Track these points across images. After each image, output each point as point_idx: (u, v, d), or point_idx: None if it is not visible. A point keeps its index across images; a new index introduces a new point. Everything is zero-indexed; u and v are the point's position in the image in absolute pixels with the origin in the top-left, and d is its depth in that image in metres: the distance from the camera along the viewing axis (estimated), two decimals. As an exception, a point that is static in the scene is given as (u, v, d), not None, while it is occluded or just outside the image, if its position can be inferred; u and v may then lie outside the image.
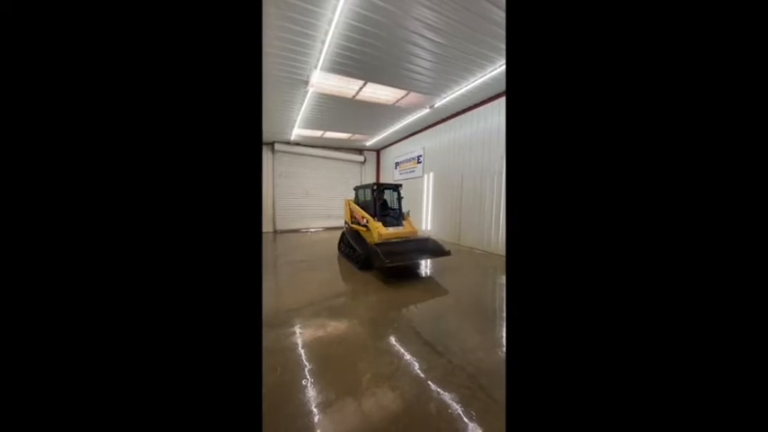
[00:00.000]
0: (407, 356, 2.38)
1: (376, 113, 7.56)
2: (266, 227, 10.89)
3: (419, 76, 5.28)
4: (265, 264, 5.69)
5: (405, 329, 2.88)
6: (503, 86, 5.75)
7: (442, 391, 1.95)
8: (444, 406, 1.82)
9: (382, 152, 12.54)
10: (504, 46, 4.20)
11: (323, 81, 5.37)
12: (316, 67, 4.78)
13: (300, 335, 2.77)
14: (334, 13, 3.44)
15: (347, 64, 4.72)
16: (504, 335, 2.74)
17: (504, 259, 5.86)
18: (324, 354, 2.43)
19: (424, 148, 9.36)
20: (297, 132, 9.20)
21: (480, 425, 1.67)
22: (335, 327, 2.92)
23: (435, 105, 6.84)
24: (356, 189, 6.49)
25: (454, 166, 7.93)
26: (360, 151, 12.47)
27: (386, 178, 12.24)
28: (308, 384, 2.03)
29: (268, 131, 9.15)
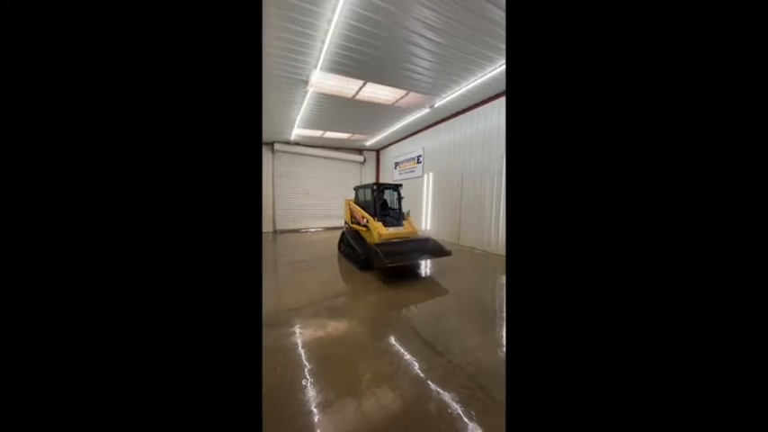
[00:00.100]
0: (407, 356, 2.38)
1: (376, 113, 7.56)
2: (266, 227, 10.88)
3: (419, 76, 5.27)
4: (265, 264, 5.69)
5: (405, 329, 2.88)
6: (502, 86, 5.75)
7: (441, 391, 1.95)
8: (444, 406, 1.82)
9: (382, 152, 12.54)
10: (503, 46, 4.20)
11: (323, 81, 5.37)
12: (315, 67, 4.78)
13: (300, 335, 2.77)
14: (333, 12, 3.44)
15: (347, 64, 4.72)
16: (504, 335, 2.74)
17: (504, 259, 5.87)
18: (324, 354, 2.43)
19: (423, 148, 9.36)
20: (296, 132, 9.20)
21: (480, 425, 1.67)
22: (335, 327, 2.92)
23: (435, 105, 6.84)
24: (356, 189, 6.49)
25: (454, 165, 7.93)
26: (359, 151, 12.47)
27: (385, 178, 12.24)
28: (308, 384, 2.03)
29: (268, 131, 9.15)
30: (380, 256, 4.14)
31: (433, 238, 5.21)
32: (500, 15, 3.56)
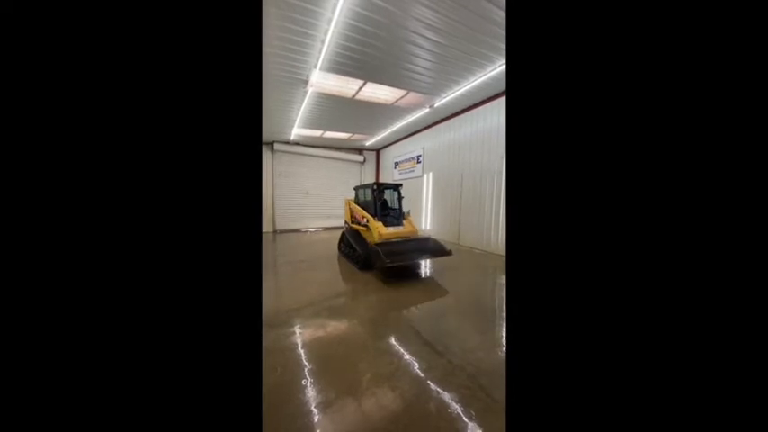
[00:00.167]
0: (407, 356, 2.38)
1: (375, 113, 7.56)
2: (266, 227, 10.88)
3: (419, 76, 5.27)
4: (265, 264, 5.68)
5: (405, 329, 2.88)
6: (502, 86, 5.75)
7: (441, 391, 1.95)
8: (444, 405, 1.82)
9: (382, 152, 12.54)
10: (503, 46, 4.20)
11: (322, 81, 5.37)
12: (315, 67, 4.78)
13: (300, 335, 2.77)
14: (333, 12, 3.44)
15: (347, 64, 4.72)
16: (504, 335, 2.75)
17: (504, 259, 5.87)
18: (324, 354, 2.43)
19: (423, 148, 9.36)
20: (296, 132, 9.20)
21: (480, 424, 1.68)
22: (335, 327, 2.92)
23: (435, 105, 6.84)
24: (356, 189, 6.49)
25: (454, 165, 7.93)
26: (359, 151, 12.47)
27: (385, 178, 12.24)
28: (308, 384, 2.03)
29: (267, 131, 9.15)
30: (381, 255, 4.14)
31: (434, 237, 5.21)
32: (500, 15, 3.56)
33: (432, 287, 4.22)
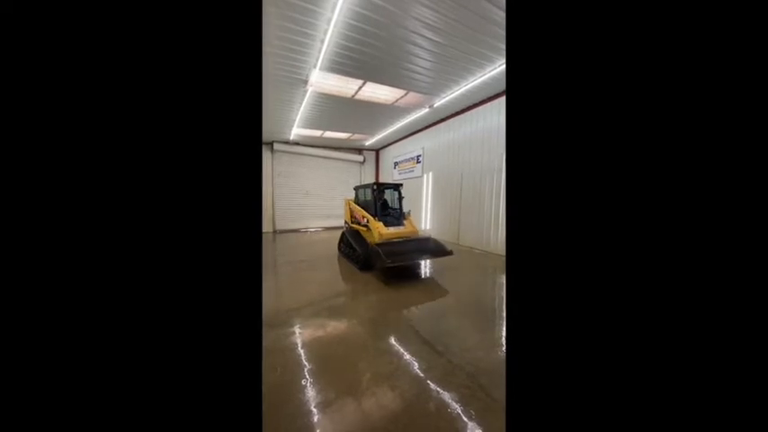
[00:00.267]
0: (407, 356, 2.39)
1: (375, 113, 7.55)
2: (265, 227, 10.88)
3: (418, 76, 5.27)
4: (265, 264, 5.68)
5: (404, 329, 2.88)
6: (502, 86, 5.75)
7: (441, 391, 1.96)
8: (444, 405, 1.83)
9: (381, 152, 12.54)
10: (503, 46, 4.20)
11: (322, 80, 5.37)
12: (315, 67, 4.77)
13: (300, 335, 2.77)
14: (333, 12, 3.44)
15: (346, 63, 4.71)
16: (504, 334, 2.75)
17: (503, 259, 5.87)
18: (324, 353, 2.43)
19: (423, 148, 9.36)
20: (296, 132, 9.19)
21: (480, 424, 1.68)
22: (335, 327, 2.93)
23: (435, 105, 6.84)
24: (356, 189, 6.48)
25: (453, 165, 7.94)
26: (359, 151, 12.46)
27: (385, 178, 12.24)
28: (308, 384, 2.03)
29: (267, 131, 9.14)
30: (381, 255, 4.13)
31: (434, 237, 5.21)
32: (500, 15, 3.56)
33: (431, 287, 4.22)
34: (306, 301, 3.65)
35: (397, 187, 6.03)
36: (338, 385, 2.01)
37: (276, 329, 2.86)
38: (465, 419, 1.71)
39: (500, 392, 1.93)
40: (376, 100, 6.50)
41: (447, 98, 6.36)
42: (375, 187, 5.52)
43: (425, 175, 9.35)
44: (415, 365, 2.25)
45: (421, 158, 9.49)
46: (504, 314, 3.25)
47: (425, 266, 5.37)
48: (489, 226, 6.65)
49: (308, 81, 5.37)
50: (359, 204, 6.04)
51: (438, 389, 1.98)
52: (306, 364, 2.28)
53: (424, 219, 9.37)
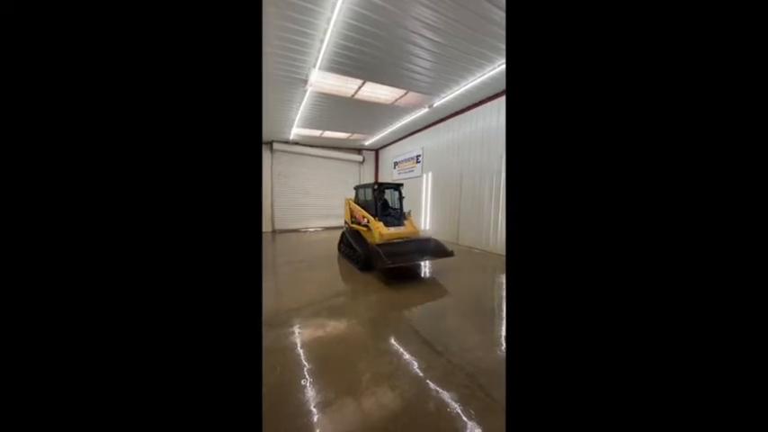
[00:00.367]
0: (407, 356, 2.39)
1: (375, 113, 7.55)
2: (265, 227, 10.87)
3: (418, 76, 5.27)
4: (264, 264, 5.68)
5: (404, 329, 2.88)
6: (502, 86, 5.75)
7: (441, 390, 1.96)
8: (443, 405, 1.83)
9: (381, 152, 12.54)
10: (503, 46, 4.21)
11: (321, 80, 5.36)
12: (314, 66, 4.77)
13: (300, 335, 2.77)
14: (333, 11, 3.44)
15: (346, 63, 4.71)
16: (503, 334, 2.75)
17: (503, 258, 5.88)
18: (323, 353, 2.43)
19: (422, 148, 9.36)
20: (295, 132, 9.19)
21: (479, 423, 1.68)
22: (335, 326, 2.93)
23: (434, 105, 6.84)
24: (356, 188, 6.47)
25: (453, 165, 7.94)
26: (358, 151, 12.46)
27: (384, 178, 12.24)
28: (308, 384, 2.03)
29: (266, 131, 9.13)
30: (382, 256, 4.12)
31: (434, 238, 5.20)
32: (500, 15, 3.57)
33: (431, 287, 4.22)
34: (306, 300, 3.65)
35: (397, 187, 6.02)
36: (338, 385, 2.01)
37: (276, 329, 2.86)
38: (465, 419, 1.71)
39: (499, 392, 1.94)
40: (375, 100, 6.50)
41: (446, 98, 6.37)
42: (376, 187, 5.50)
43: (425, 175, 9.35)
44: (415, 365, 2.26)
45: (420, 158, 9.49)
46: (504, 314, 3.25)
47: (425, 266, 5.37)
48: (488, 226, 6.66)
49: (307, 81, 5.37)
50: (359, 204, 6.02)
51: (438, 388, 1.98)
52: (305, 363, 2.28)
53: (424, 218, 9.37)
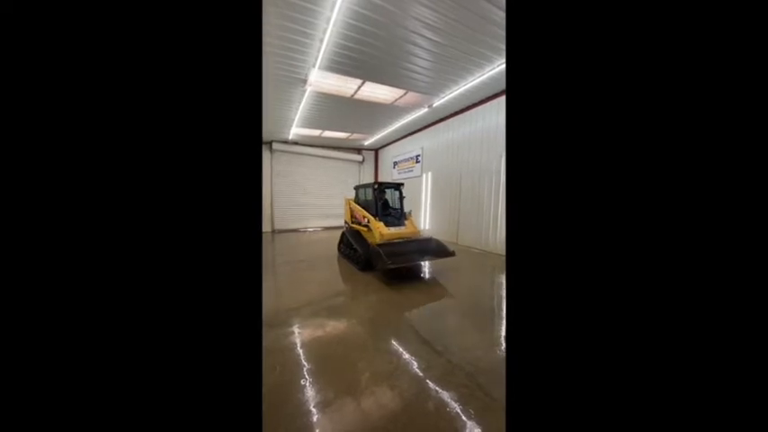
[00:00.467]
0: (406, 356, 2.39)
1: (374, 113, 7.55)
2: (264, 226, 10.86)
3: (418, 76, 5.27)
4: (264, 264, 5.67)
5: (404, 329, 2.89)
6: (501, 86, 5.76)
7: (440, 390, 1.96)
8: (443, 404, 1.83)
9: (381, 152, 12.53)
10: (502, 46, 4.21)
11: (321, 80, 5.36)
12: (314, 66, 4.77)
13: (300, 334, 2.77)
14: (332, 11, 3.43)
15: (345, 63, 4.71)
16: (502, 334, 2.76)
17: (502, 258, 5.88)
18: (323, 353, 2.43)
19: (422, 148, 9.36)
20: (295, 131, 9.18)
21: (479, 423, 1.68)
22: (335, 326, 2.93)
23: (434, 105, 6.85)
24: (357, 188, 6.46)
25: (452, 165, 7.94)
26: (358, 151, 12.45)
27: (384, 178, 12.23)
28: (308, 384, 2.03)
29: (266, 130, 9.12)
30: (382, 256, 4.10)
31: (435, 238, 5.18)
32: (499, 15, 3.57)
33: (431, 287, 4.23)
34: (305, 300, 3.65)
35: (398, 187, 6.01)
36: (337, 385, 2.01)
37: (276, 329, 2.86)
38: (464, 418, 1.72)
39: (499, 392, 1.94)
40: (375, 99, 6.50)
41: (446, 98, 6.37)
42: (376, 187, 5.48)
43: (424, 175, 9.35)
44: (415, 365, 2.26)
45: (420, 158, 9.50)
46: (503, 313, 3.25)
47: (425, 266, 5.37)
48: (488, 226, 6.66)
49: (307, 80, 5.36)
50: (359, 204, 6.01)
51: (437, 388, 1.98)
52: (305, 363, 2.29)
53: (423, 218, 9.38)
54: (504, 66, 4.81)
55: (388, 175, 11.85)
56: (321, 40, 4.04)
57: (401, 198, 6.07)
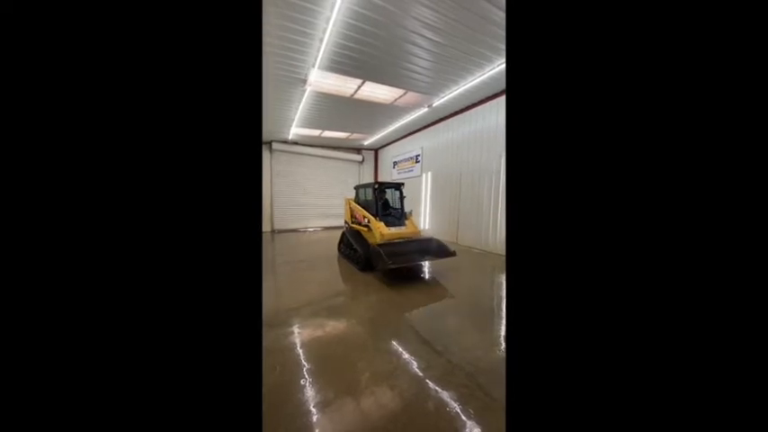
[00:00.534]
0: (406, 355, 2.39)
1: (374, 112, 7.55)
2: (264, 226, 10.85)
3: (417, 76, 5.27)
4: (264, 264, 5.67)
5: (404, 328, 2.89)
6: (501, 86, 5.76)
7: (440, 390, 1.96)
8: (443, 404, 1.83)
9: (380, 151, 12.53)
10: (502, 46, 4.21)
11: (321, 80, 5.36)
12: (314, 66, 4.76)
13: (299, 334, 2.77)
14: (332, 11, 3.43)
15: (345, 63, 4.71)
16: (502, 333, 2.76)
17: (502, 258, 5.89)
18: (323, 353, 2.43)
19: (422, 148, 9.36)
20: (294, 131, 9.17)
21: (478, 423, 1.69)
22: (335, 326, 2.93)
23: (433, 105, 6.85)
24: (357, 188, 6.45)
25: (452, 165, 7.95)
26: (358, 150, 12.45)
27: (384, 177, 12.23)
28: (307, 384, 2.03)
29: (265, 130, 9.12)
30: (383, 257, 4.08)
31: (436, 238, 5.16)
32: (499, 15, 3.57)
33: (431, 287, 4.23)
34: (305, 300, 3.65)
35: (398, 186, 6.00)
36: (337, 385, 2.01)
37: (275, 329, 2.86)
38: (464, 418, 1.72)
39: (498, 391, 1.94)
40: (375, 99, 6.50)
41: (446, 98, 6.37)
42: (376, 186, 5.47)
43: (424, 175, 9.35)
44: (414, 365, 2.26)
45: (420, 158, 9.50)
46: (503, 313, 3.26)
47: (424, 266, 5.37)
48: (488, 226, 6.66)
49: (306, 80, 5.36)
50: (359, 204, 6.00)
51: (437, 388, 1.98)
52: (305, 363, 2.29)
53: (423, 218, 9.38)
54: (503, 66, 4.81)
55: (387, 175, 11.85)
56: (321, 40, 4.04)
57: (401, 198, 6.06)
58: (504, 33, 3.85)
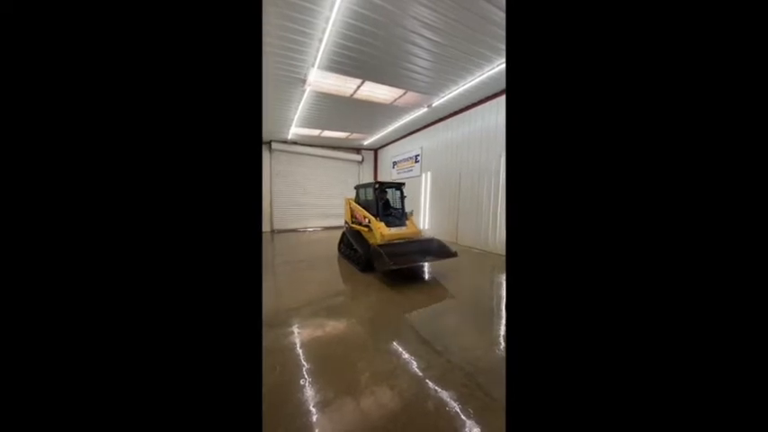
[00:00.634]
0: (406, 355, 2.39)
1: (374, 112, 7.55)
2: (264, 226, 10.85)
3: (417, 76, 5.27)
4: (264, 264, 5.66)
5: (404, 328, 2.89)
6: (500, 85, 5.76)
7: (440, 390, 1.96)
8: (443, 404, 1.83)
9: (380, 151, 12.53)
10: (502, 46, 4.21)
11: (320, 80, 5.36)
12: (313, 66, 4.76)
13: (299, 334, 2.77)
14: (332, 11, 3.43)
15: (345, 63, 4.71)
16: (502, 333, 2.76)
17: (502, 258, 5.89)
18: (323, 353, 2.43)
19: (421, 148, 9.37)
20: (294, 131, 9.17)
21: (478, 422, 1.69)
22: (335, 326, 2.93)
23: (433, 104, 6.85)
24: (357, 188, 6.43)
25: (452, 165, 7.95)
26: (357, 150, 12.45)
27: (383, 177, 12.23)
28: (307, 384, 2.04)
29: (265, 130, 9.11)
30: (384, 257, 4.07)
31: (437, 238, 5.14)
32: (499, 15, 3.57)
33: (430, 287, 4.23)
34: (305, 300, 3.65)
35: (399, 186, 5.98)
36: (337, 385, 2.02)
37: (275, 329, 2.86)
38: (463, 418, 1.72)
39: (498, 391, 1.94)
40: (374, 99, 6.50)
41: (445, 98, 6.37)
42: (377, 186, 5.44)
43: (424, 175, 9.36)
44: (414, 365, 2.26)
45: (419, 158, 9.50)
46: (503, 313, 3.26)
47: (424, 266, 5.37)
48: (487, 226, 6.67)
49: (306, 80, 5.36)
50: (360, 204, 5.99)
51: (437, 388, 1.99)
52: (305, 363, 2.29)
53: (423, 218, 9.38)
54: (503, 66, 4.81)
55: (387, 175, 11.85)
56: (320, 40, 4.04)
57: (402, 198, 6.04)
58: (504, 33, 3.85)
